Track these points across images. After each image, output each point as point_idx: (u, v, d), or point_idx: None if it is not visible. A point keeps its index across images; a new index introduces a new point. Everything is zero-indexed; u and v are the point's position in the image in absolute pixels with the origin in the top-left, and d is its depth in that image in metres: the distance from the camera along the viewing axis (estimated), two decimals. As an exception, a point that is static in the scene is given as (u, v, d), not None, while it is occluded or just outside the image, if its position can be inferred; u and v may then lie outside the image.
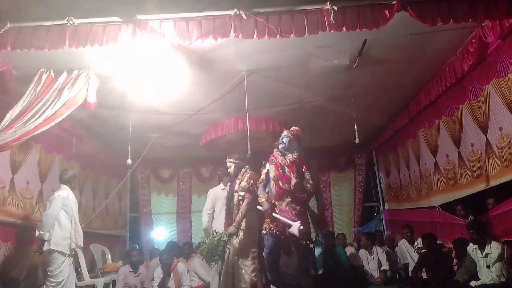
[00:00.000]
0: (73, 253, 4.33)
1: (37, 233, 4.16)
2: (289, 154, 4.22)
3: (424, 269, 5.08)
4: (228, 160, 4.64)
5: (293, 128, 4.42)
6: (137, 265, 5.58)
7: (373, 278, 5.89)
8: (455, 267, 4.71)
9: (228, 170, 4.61)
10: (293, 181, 4.07)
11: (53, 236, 4.13)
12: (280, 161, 4.19)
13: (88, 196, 6.99)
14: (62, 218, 4.23)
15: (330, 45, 4.09)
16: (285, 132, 4.34)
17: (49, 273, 4.16)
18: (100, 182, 7.48)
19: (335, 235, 6.83)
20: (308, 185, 4.16)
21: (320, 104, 5.85)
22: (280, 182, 4.09)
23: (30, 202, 5.12)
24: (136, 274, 5.49)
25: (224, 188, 5.33)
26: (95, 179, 7.28)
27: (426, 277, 5.01)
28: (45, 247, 4.13)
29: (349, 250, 6.55)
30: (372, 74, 4.97)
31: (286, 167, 4.14)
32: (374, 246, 6.12)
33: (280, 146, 4.27)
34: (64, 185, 4.45)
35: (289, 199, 4.05)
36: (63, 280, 4.17)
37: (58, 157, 5.91)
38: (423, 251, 5.35)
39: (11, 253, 4.69)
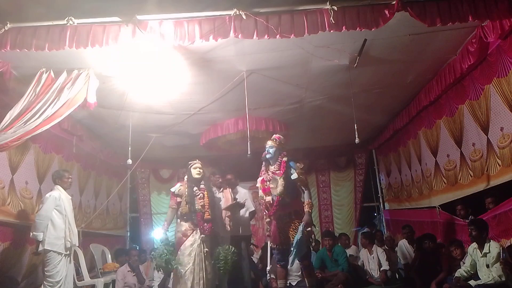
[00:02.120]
0: (68, 252, 4.32)
1: (31, 234, 4.16)
2: (272, 166, 4.34)
3: (424, 269, 5.09)
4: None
5: (275, 136, 4.47)
6: (135, 265, 5.58)
7: (373, 278, 5.88)
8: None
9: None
10: (273, 192, 4.23)
11: (47, 237, 4.14)
12: (265, 177, 4.35)
13: (89, 196, 6.99)
14: (55, 218, 4.23)
15: (330, 45, 4.09)
16: (269, 143, 4.38)
17: (46, 273, 4.17)
18: (101, 182, 7.48)
19: (338, 236, 6.86)
20: (279, 189, 4.21)
21: (320, 104, 5.84)
22: (263, 197, 4.30)
23: (30, 202, 5.12)
24: (134, 274, 5.50)
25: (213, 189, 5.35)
26: (96, 179, 7.28)
27: (426, 277, 5.00)
28: (40, 248, 4.14)
29: (353, 250, 6.51)
30: (372, 74, 4.96)
31: (269, 182, 4.30)
32: (374, 246, 6.12)
33: (267, 156, 4.36)
34: (57, 185, 4.46)
35: (269, 214, 4.25)
36: (60, 279, 4.17)
37: (57, 157, 5.91)
38: (422, 251, 5.36)
39: (11, 252, 4.70)
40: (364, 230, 7.47)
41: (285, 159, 4.30)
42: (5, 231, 4.67)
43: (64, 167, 5.70)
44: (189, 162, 4.73)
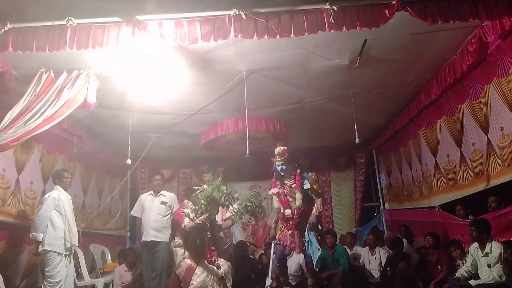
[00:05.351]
0: (68, 252, 4.32)
1: (31, 234, 4.17)
2: (287, 180, 4.48)
3: (424, 269, 5.09)
4: None
5: (281, 149, 4.50)
6: (133, 264, 5.58)
7: (373, 278, 5.88)
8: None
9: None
10: (293, 205, 4.41)
11: (47, 237, 4.14)
12: (281, 190, 4.49)
13: (93, 196, 7.00)
14: (55, 218, 4.23)
15: (330, 45, 4.09)
16: (279, 158, 4.48)
17: (46, 273, 4.17)
18: (103, 182, 7.49)
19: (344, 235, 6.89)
20: (297, 202, 4.40)
21: (320, 104, 5.84)
22: (282, 210, 4.44)
23: (33, 202, 5.12)
24: (132, 273, 5.49)
25: None
26: (98, 179, 7.29)
27: (426, 277, 5.01)
28: (40, 248, 4.15)
29: (362, 251, 6.49)
30: (372, 74, 4.96)
31: (286, 195, 4.47)
32: (377, 246, 6.12)
33: (281, 173, 4.49)
34: (56, 185, 4.46)
35: (291, 226, 4.39)
36: (60, 280, 4.18)
37: (60, 157, 5.92)
38: (423, 251, 5.36)
39: (9, 251, 4.71)
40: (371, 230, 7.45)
41: (298, 171, 4.49)
42: (5, 231, 4.67)
43: (67, 167, 5.70)
44: (195, 188, 4.61)
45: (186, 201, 4.61)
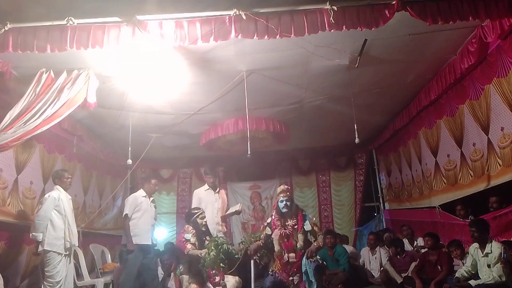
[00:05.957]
0: (67, 252, 4.33)
1: (31, 234, 4.17)
2: (289, 220, 4.39)
3: (424, 269, 5.08)
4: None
5: (285, 187, 4.54)
6: None
7: (374, 278, 5.87)
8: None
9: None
10: (297, 247, 4.33)
11: (47, 237, 4.15)
12: (283, 232, 4.38)
13: (93, 196, 7.01)
14: (55, 218, 4.24)
15: (330, 45, 4.09)
16: (283, 195, 4.44)
17: (46, 273, 4.18)
18: (104, 182, 7.50)
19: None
20: (298, 244, 4.34)
21: (320, 104, 5.84)
22: (286, 254, 4.34)
23: (32, 202, 5.12)
24: None
25: (208, 189, 5.34)
26: (99, 179, 7.29)
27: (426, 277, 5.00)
28: (40, 248, 4.15)
29: (363, 250, 6.49)
30: (372, 74, 4.97)
31: (289, 237, 4.37)
32: (378, 246, 6.11)
33: (283, 210, 4.40)
34: (56, 185, 4.47)
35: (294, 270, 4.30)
36: (60, 280, 4.18)
37: (60, 157, 5.92)
38: (424, 250, 5.36)
39: (9, 252, 4.71)
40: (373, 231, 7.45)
41: (301, 212, 4.45)
42: (5, 231, 4.67)
43: (67, 167, 5.70)
44: (194, 212, 4.64)
45: (186, 226, 4.58)
